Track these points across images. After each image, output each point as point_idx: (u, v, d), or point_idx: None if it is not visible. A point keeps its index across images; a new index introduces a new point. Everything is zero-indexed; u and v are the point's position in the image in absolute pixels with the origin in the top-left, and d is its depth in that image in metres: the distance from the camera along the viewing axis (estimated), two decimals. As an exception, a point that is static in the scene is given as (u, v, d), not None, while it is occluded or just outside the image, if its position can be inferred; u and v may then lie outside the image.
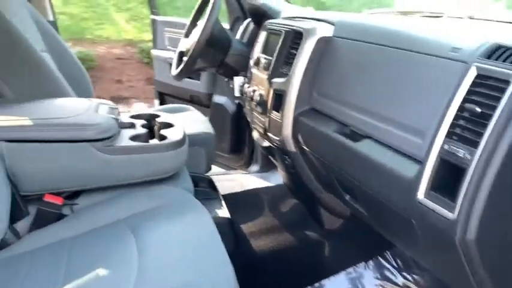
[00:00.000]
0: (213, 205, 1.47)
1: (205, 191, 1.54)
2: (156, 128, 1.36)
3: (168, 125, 1.32)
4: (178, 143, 1.19)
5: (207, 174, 1.69)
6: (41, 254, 0.95)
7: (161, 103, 2.72)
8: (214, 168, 2.29)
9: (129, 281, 0.82)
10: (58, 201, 1.08)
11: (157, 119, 1.38)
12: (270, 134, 1.33)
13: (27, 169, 1.06)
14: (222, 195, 1.59)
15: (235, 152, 2.29)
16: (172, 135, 1.22)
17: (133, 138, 1.18)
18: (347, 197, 1.14)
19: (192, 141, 1.51)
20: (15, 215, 1.06)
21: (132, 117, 1.37)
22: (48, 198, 1.07)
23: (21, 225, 1.07)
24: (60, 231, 1.03)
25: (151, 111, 1.77)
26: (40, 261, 0.93)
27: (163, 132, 1.25)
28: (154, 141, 1.24)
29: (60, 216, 1.09)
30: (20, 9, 1.54)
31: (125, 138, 1.17)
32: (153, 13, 2.73)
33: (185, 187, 1.20)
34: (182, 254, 0.91)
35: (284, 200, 1.79)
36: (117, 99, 5.09)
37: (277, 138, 1.28)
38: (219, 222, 1.37)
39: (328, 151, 1.10)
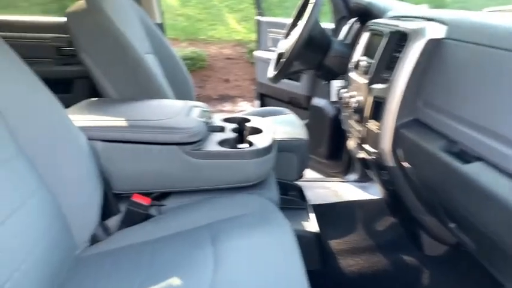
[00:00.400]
0: (301, 216, 1.40)
1: (293, 200, 1.48)
2: (245, 132, 1.33)
3: (257, 130, 1.28)
4: (264, 151, 1.14)
5: (301, 180, 1.63)
6: (125, 254, 0.97)
7: (261, 104, 2.72)
8: (311, 174, 2.21)
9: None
10: (146, 201, 1.10)
11: (248, 124, 1.34)
12: (366, 145, 1.21)
13: (119, 168, 1.10)
14: (313, 205, 1.51)
15: (332, 158, 2.19)
16: (259, 141, 1.18)
17: (221, 142, 1.16)
18: (452, 225, 0.98)
19: (284, 146, 1.46)
20: (106, 212, 1.10)
21: (224, 120, 1.36)
22: (136, 198, 1.09)
23: (112, 222, 1.11)
24: (145, 231, 1.05)
25: (244, 114, 1.75)
26: (123, 261, 0.95)
27: (251, 138, 1.21)
28: (242, 146, 1.21)
29: (147, 217, 1.11)
30: (129, 12, 1.62)
31: (213, 143, 1.16)
32: (258, 14, 2.73)
33: (270, 196, 1.15)
34: (257, 270, 0.85)
35: (381, 217, 1.64)
36: (224, 98, 5.27)
37: (374, 151, 1.16)
38: (305, 236, 1.30)
39: (431, 170, 0.96)
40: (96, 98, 1.36)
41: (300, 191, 1.53)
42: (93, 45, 1.38)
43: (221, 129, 1.28)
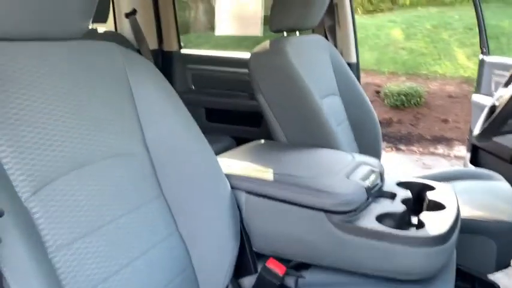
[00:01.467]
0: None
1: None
2: (424, 205, 1.05)
3: (438, 206, 0.99)
4: (439, 239, 0.86)
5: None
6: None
7: (473, 159, 2.26)
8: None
9: None
10: (280, 270, 0.96)
11: (429, 193, 1.06)
12: None
13: (259, 225, 0.99)
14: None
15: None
16: (435, 223, 0.90)
17: (383, 217, 0.93)
18: None
19: (479, 228, 1.12)
20: (242, 270, 1.00)
21: (399, 184, 1.11)
22: (270, 265, 0.96)
23: (246, 282, 1.01)
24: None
25: (434, 175, 1.44)
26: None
27: (424, 216, 0.94)
28: (414, 224, 0.95)
29: (281, 286, 0.97)
30: (317, 52, 1.54)
31: (372, 215, 0.94)
32: (482, 52, 2.31)
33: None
34: None
35: None
36: (439, 139, 4.77)
37: None
38: None
39: None
40: (261, 141, 1.30)
41: (496, 292, 1.14)
42: (270, 87, 1.34)
43: (391, 196, 1.04)
